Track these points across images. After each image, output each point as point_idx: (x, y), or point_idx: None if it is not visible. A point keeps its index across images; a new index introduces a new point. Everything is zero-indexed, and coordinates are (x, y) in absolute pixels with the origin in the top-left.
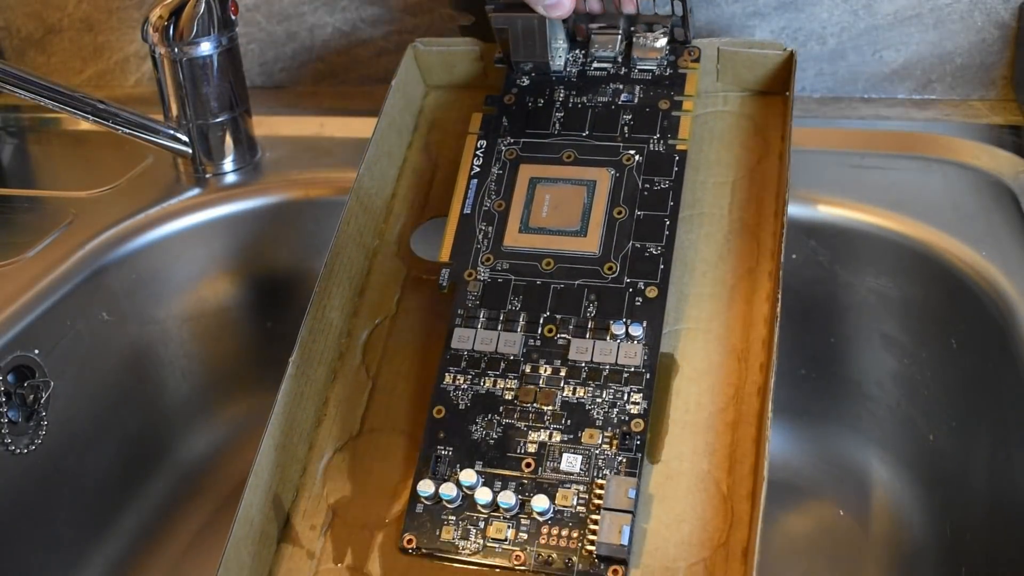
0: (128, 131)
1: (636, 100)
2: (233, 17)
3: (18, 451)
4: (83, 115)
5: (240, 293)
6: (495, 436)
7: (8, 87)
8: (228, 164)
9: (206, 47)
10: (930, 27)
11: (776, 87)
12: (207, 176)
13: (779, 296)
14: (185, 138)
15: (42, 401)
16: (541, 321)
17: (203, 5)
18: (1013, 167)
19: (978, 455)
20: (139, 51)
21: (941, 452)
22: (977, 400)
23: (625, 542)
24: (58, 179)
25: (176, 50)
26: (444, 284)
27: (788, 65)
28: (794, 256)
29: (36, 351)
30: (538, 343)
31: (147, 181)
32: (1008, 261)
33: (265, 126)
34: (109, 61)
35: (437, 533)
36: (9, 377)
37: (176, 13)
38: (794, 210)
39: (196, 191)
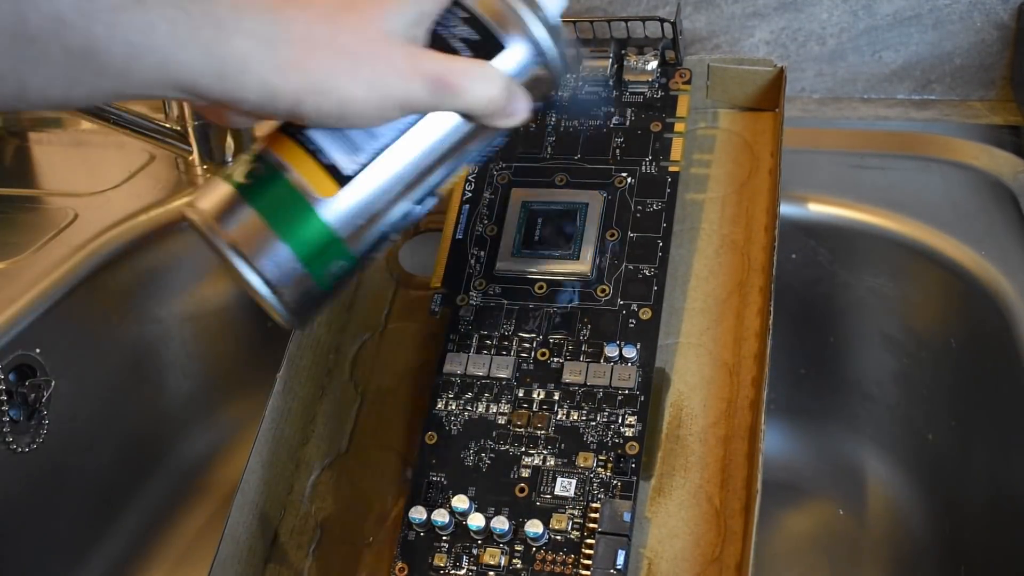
0: (129, 131)
1: (628, 123)
2: None
3: (19, 450)
4: (85, 115)
5: (240, 293)
6: (488, 461)
7: None
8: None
9: None
10: (929, 28)
11: (766, 103)
12: (209, 176)
13: (771, 310)
14: (187, 138)
15: (43, 400)
16: (534, 345)
17: None
18: (1012, 167)
19: (977, 455)
20: None
21: (940, 452)
22: (977, 400)
23: (621, 566)
24: (60, 178)
25: None
26: (436, 309)
27: (778, 82)
28: (794, 256)
29: (37, 350)
30: (531, 367)
31: (149, 181)
32: (1008, 261)
33: (267, 125)
34: None
35: (430, 560)
36: (10, 376)
37: None
38: (794, 210)
39: None
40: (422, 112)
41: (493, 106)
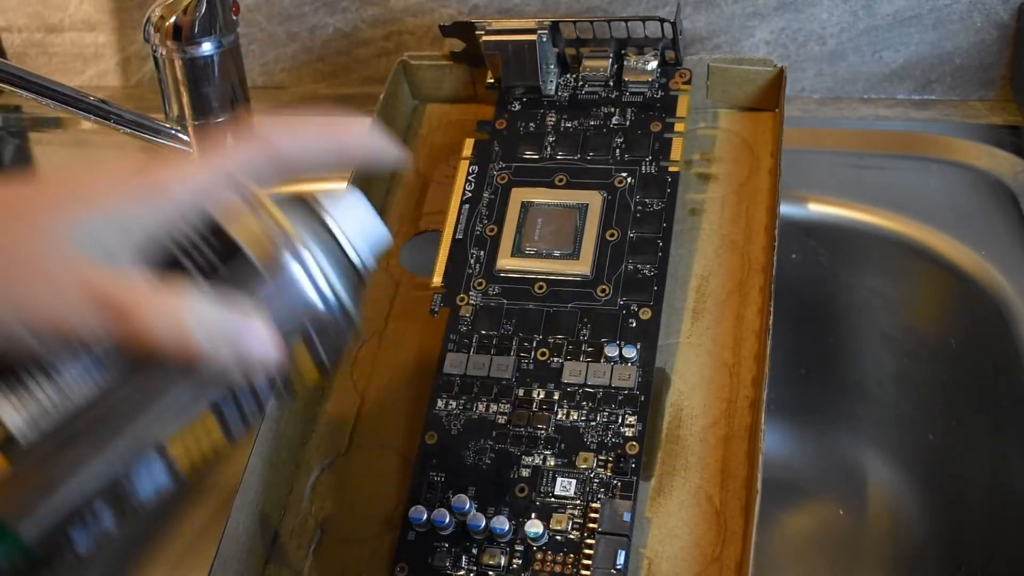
0: (129, 131)
1: (628, 123)
2: (234, 17)
3: None
4: (84, 115)
5: None
6: (488, 461)
7: (10, 87)
8: None
9: (207, 47)
10: (929, 28)
11: (766, 103)
12: None
13: (771, 309)
14: (186, 138)
15: None
16: (534, 344)
17: (204, 5)
18: (1012, 167)
19: (977, 455)
20: (140, 51)
21: (940, 452)
22: (977, 400)
23: (621, 566)
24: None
25: (177, 50)
26: (436, 309)
27: (778, 82)
28: (794, 256)
29: None
30: (531, 367)
31: None
32: (1007, 261)
33: None
34: (110, 61)
35: (430, 560)
36: None
37: (177, 13)
38: (794, 210)
39: None
40: (101, 343)
41: (183, 343)
